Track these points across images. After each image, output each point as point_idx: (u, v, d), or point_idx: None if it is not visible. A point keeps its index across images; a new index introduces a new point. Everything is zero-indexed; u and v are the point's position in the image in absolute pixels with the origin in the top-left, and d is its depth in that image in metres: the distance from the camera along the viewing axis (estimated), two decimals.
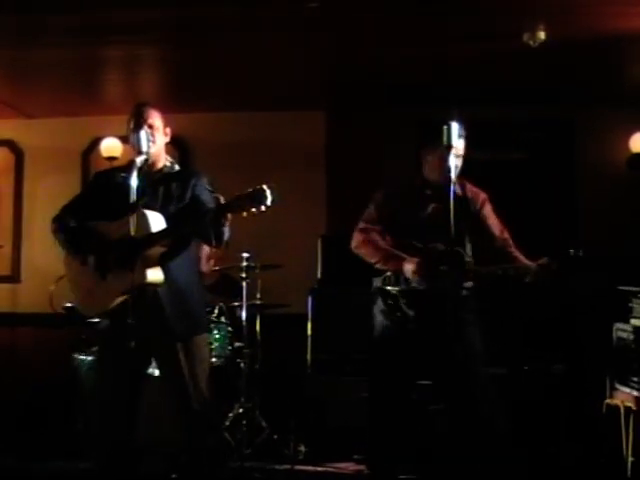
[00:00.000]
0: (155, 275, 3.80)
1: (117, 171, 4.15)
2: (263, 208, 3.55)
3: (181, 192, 4.03)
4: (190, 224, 3.86)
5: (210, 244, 3.99)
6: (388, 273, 4.40)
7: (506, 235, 4.53)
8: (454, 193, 4.11)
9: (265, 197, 3.53)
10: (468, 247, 4.43)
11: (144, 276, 3.76)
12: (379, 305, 4.44)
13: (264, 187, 3.54)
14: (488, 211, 4.57)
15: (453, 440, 4.48)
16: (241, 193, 3.60)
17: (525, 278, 4.26)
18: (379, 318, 4.46)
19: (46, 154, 7.61)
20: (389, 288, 4.35)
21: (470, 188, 4.56)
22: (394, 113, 7.18)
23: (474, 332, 4.37)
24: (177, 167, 4.20)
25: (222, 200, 3.77)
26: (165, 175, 4.10)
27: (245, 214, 3.60)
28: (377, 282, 4.48)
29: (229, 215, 3.69)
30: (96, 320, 4.09)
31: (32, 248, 7.68)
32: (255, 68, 6.41)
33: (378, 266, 4.43)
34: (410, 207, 4.49)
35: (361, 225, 4.59)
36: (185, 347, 3.92)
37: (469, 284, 4.37)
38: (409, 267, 4.28)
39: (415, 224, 4.46)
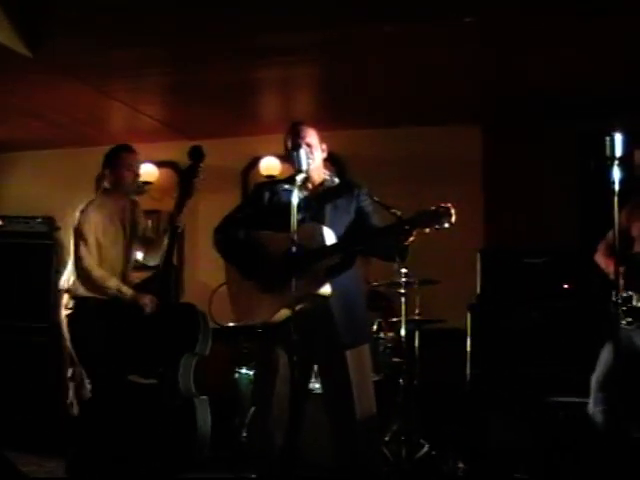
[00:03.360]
0: (324, 288, 3.83)
1: (279, 183, 4.21)
2: (447, 225, 3.55)
3: (347, 204, 4.07)
4: (366, 241, 3.90)
5: (392, 261, 4.00)
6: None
7: None
8: None
9: (450, 215, 3.55)
10: None
11: (313, 288, 3.80)
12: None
13: (449, 205, 3.55)
14: None
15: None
16: (424, 210, 3.62)
17: None
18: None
19: (207, 174, 7.81)
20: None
21: None
22: (553, 127, 7.04)
23: None
24: (337, 180, 4.22)
25: (398, 214, 3.77)
26: (328, 189, 4.14)
27: (427, 231, 3.60)
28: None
29: (414, 232, 3.68)
30: (258, 331, 4.17)
31: (195, 265, 7.90)
32: (412, 84, 6.43)
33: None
34: None
35: None
36: (353, 355, 3.94)
37: None
38: None
39: None
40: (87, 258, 5.16)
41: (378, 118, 7.31)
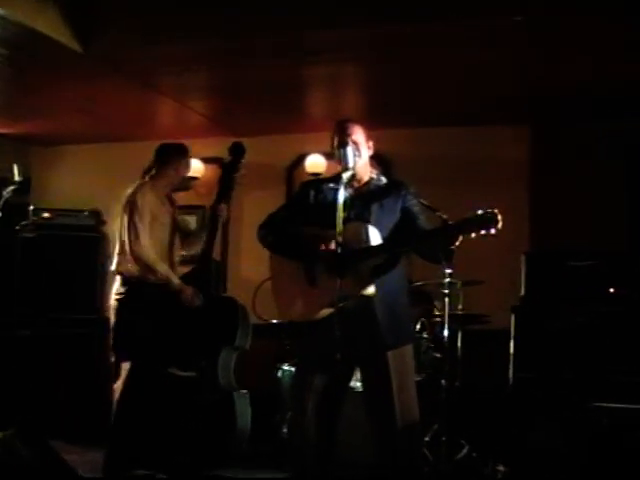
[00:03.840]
0: (368, 288, 3.81)
1: (325, 182, 4.19)
2: (493, 231, 3.53)
3: (393, 204, 4.03)
4: (412, 243, 3.88)
5: (438, 263, 3.99)
6: None
7: None
8: None
9: (496, 221, 3.52)
10: None
11: (358, 288, 3.79)
12: None
13: (495, 211, 3.53)
14: None
15: None
16: (471, 215, 3.59)
17: None
18: None
19: (252, 170, 7.84)
20: None
21: None
22: (601, 128, 6.96)
23: None
24: (384, 179, 4.19)
25: (444, 217, 3.76)
26: (374, 188, 4.12)
27: (474, 236, 3.58)
28: None
29: (460, 237, 3.65)
30: (300, 328, 4.15)
31: (238, 261, 7.94)
32: (459, 83, 6.40)
33: None
34: None
35: None
36: (395, 356, 3.92)
37: None
38: None
39: None
40: (143, 236, 5.19)
41: (425, 117, 7.28)
